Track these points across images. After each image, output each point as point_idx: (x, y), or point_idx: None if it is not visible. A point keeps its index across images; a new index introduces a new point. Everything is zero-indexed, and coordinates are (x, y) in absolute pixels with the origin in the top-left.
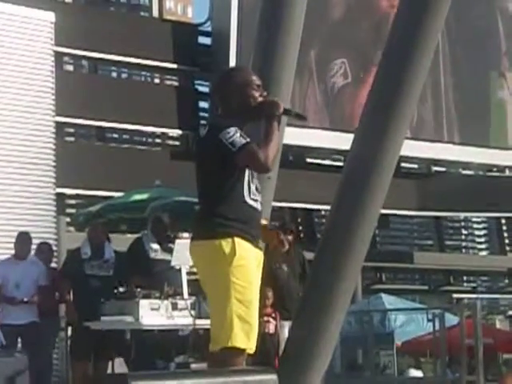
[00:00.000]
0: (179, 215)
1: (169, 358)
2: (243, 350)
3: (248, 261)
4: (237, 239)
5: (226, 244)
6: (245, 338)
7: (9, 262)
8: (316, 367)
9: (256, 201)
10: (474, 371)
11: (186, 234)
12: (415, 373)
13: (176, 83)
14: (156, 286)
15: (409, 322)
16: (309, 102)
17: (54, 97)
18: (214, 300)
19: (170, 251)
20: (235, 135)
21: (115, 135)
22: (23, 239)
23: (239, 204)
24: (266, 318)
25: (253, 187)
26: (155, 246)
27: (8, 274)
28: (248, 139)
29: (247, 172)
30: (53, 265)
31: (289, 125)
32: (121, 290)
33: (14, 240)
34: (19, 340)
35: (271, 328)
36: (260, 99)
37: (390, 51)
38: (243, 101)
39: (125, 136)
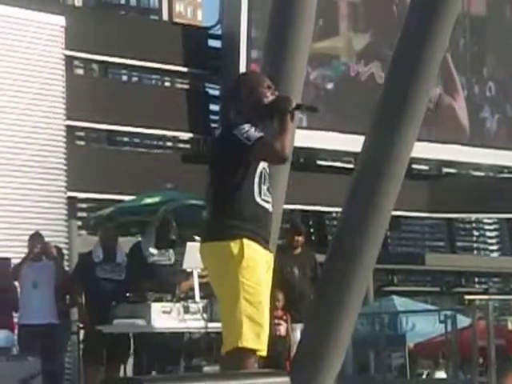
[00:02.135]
0: (190, 218)
1: (179, 360)
2: (254, 351)
3: (257, 262)
4: (245, 240)
5: (234, 245)
6: (255, 339)
7: (24, 263)
8: (328, 370)
9: (267, 202)
10: (486, 373)
11: (197, 237)
12: (438, 374)
13: (186, 86)
14: (161, 289)
15: (421, 323)
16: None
17: (64, 101)
18: (223, 301)
19: (168, 254)
20: (250, 130)
21: (126, 139)
22: (36, 239)
23: (250, 205)
24: (276, 321)
25: (264, 188)
26: (153, 249)
27: (24, 275)
28: (262, 133)
29: (258, 172)
30: (64, 268)
31: (299, 127)
32: (131, 294)
33: (25, 243)
34: (36, 342)
35: (282, 331)
36: (272, 98)
37: (401, 52)
38: (256, 100)
39: (135, 139)
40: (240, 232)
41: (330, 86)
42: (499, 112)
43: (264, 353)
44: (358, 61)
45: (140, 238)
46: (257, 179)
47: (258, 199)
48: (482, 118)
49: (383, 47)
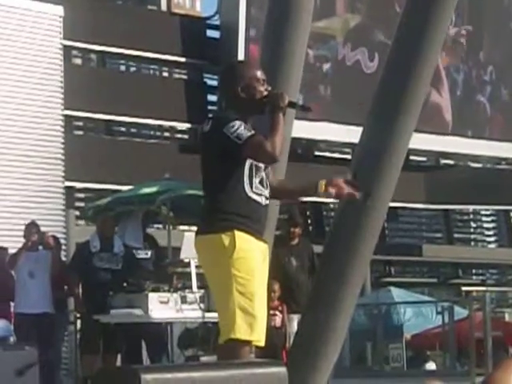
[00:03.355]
0: (188, 208)
1: (176, 350)
2: (248, 342)
3: (250, 253)
4: (237, 232)
5: (225, 237)
6: (248, 330)
7: (20, 252)
8: (325, 360)
9: (260, 195)
10: (482, 364)
11: (194, 228)
12: (428, 366)
13: (184, 77)
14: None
15: (418, 315)
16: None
17: (62, 90)
18: (217, 293)
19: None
20: (240, 128)
21: (124, 129)
22: (32, 229)
23: (241, 199)
24: (272, 312)
25: (256, 181)
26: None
27: (21, 264)
28: (253, 131)
29: (248, 165)
30: (62, 258)
31: (297, 118)
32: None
33: (22, 233)
34: (33, 331)
35: (277, 321)
36: (265, 93)
37: (399, 45)
38: (247, 94)
39: (133, 129)
40: (232, 224)
41: (326, 66)
42: (495, 97)
43: (261, 343)
44: (345, 43)
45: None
46: (247, 173)
47: (249, 193)
48: (477, 102)
49: (374, 31)
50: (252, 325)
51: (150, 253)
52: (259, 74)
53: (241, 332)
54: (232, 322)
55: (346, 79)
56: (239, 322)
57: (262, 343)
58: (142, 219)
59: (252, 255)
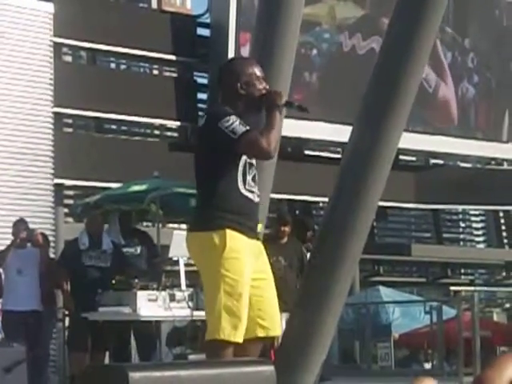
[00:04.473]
0: (177, 206)
1: (164, 348)
2: (230, 343)
3: (240, 253)
4: (228, 231)
5: (216, 236)
6: (232, 331)
7: (8, 249)
8: (313, 359)
9: (252, 192)
10: (471, 364)
11: (183, 226)
12: (417, 365)
13: (175, 74)
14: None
15: (406, 314)
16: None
17: (52, 87)
18: (205, 292)
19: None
20: (235, 123)
21: (113, 126)
22: (20, 226)
23: (234, 195)
24: None
25: (249, 178)
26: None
27: (9, 261)
28: (248, 127)
29: (242, 162)
30: (50, 255)
31: (287, 117)
32: (115, 281)
33: (11, 230)
34: (21, 328)
35: None
36: (263, 91)
37: (389, 43)
38: (247, 91)
39: (123, 127)
40: (223, 222)
41: (313, 53)
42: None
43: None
44: (341, 31)
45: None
46: (240, 169)
47: (242, 190)
48: (464, 91)
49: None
50: (236, 326)
51: (139, 249)
52: (258, 71)
53: (225, 333)
54: (217, 322)
55: (334, 66)
56: (224, 324)
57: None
58: (124, 215)
59: (242, 255)
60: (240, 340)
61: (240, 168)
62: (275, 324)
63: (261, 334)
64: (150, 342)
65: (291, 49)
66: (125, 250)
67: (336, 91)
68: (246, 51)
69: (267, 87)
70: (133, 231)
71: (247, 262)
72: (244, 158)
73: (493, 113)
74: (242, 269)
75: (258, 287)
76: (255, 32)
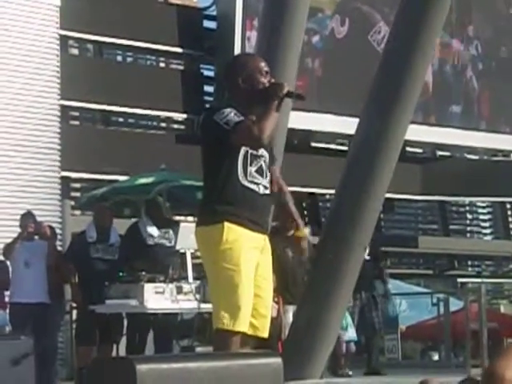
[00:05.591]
0: (184, 199)
1: (172, 341)
2: (234, 333)
3: (237, 244)
4: (226, 224)
5: (215, 229)
6: (231, 321)
7: (15, 242)
8: (320, 351)
9: (257, 184)
10: (478, 355)
11: (190, 218)
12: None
13: (181, 67)
14: (155, 270)
15: (413, 306)
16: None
17: (59, 80)
18: (209, 284)
19: (168, 235)
20: (229, 115)
21: (120, 119)
22: (28, 219)
23: (234, 188)
24: None
25: (251, 169)
26: (152, 231)
27: (17, 254)
28: (242, 117)
29: (242, 154)
30: (58, 248)
31: (293, 109)
32: (124, 274)
33: (18, 223)
34: (28, 321)
35: (273, 312)
36: (266, 84)
37: (396, 37)
38: (249, 84)
39: (130, 120)
40: (223, 216)
41: (315, 39)
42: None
43: (245, 330)
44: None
45: (137, 219)
46: (240, 161)
47: (243, 181)
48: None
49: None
50: (236, 315)
51: (173, 241)
52: (262, 65)
53: (223, 323)
54: (217, 312)
55: (336, 52)
56: (223, 313)
57: (246, 331)
58: (151, 206)
59: (239, 245)
60: (242, 329)
61: (240, 161)
62: (265, 326)
63: (249, 331)
64: (156, 334)
65: (298, 39)
66: (160, 242)
67: (341, 81)
68: (252, 37)
69: (272, 81)
70: (166, 221)
71: (245, 251)
72: (244, 150)
73: (497, 103)
74: (240, 259)
75: (259, 286)
76: (262, 23)
